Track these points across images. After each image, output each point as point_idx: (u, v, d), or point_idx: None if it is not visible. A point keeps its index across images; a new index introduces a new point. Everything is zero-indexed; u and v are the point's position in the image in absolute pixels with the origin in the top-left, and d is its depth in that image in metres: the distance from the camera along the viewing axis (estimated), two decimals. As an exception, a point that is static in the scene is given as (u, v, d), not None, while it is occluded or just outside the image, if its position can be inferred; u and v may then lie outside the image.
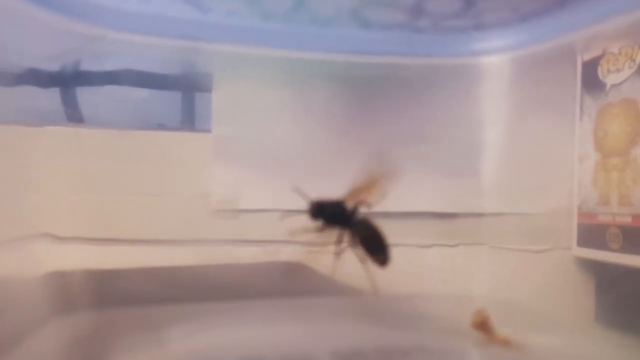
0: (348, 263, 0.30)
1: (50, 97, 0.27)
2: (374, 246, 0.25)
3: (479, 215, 0.31)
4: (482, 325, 0.24)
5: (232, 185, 0.30)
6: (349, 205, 0.26)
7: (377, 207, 0.32)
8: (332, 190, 0.31)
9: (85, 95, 0.29)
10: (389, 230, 0.33)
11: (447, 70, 0.29)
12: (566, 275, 0.31)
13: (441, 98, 0.31)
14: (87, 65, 0.28)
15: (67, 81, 0.27)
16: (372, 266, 0.26)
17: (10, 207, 0.24)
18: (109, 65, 0.28)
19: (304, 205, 0.26)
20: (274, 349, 0.22)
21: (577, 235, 0.30)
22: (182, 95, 0.31)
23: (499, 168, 0.31)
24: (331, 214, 0.25)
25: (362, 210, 0.26)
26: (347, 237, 0.25)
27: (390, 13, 0.25)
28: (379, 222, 0.33)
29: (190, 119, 0.31)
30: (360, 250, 0.25)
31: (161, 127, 0.31)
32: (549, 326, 0.26)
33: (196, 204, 0.29)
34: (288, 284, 0.27)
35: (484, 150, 0.31)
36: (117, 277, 0.26)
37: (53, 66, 0.27)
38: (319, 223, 0.25)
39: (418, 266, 0.31)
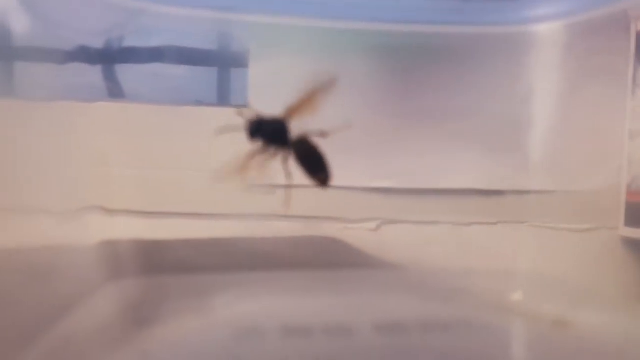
0: (390, 237, 0.30)
1: (99, 73, 0.28)
2: (314, 165, 0.24)
3: (524, 192, 0.31)
4: None
5: None
6: (287, 123, 0.25)
7: (419, 183, 0.31)
8: (371, 167, 0.31)
9: (125, 72, 0.29)
10: (429, 207, 0.33)
11: (495, 39, 0.29)
12: (612, 255, 0.30)
13: (488, 69, 0.30)
14: (130, 42, 0.29)
15: (113, 57, 0.28)
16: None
17: (64, 181, 0.25)
18: (148, 42, 0.29)
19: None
20: (315, 318, 0.22)
21: (625, 214, 0.29)
22: (219, 70, 0.31)
23: (547, 143, 0.30)
24: (270, 132, 0.24)
25: (301, 128, 0.25)
26: (285, 156, 0.24)
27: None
28: (418, 198, 0.32)
29: (226, 95, 0.32)
30: (300, 170, 0.24)
31: (199, 103, 0.31)
32: (594, 304, 0.25)
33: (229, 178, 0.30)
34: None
35: (531, 124, 0.30)
36: (163, 247, 0.27)
37: (99, 42, 0.28)
38: (258, 143, 0.24)
39: (458, 244, 0.31)
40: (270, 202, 0.30)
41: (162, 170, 0.30)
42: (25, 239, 0.22)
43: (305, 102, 0.24)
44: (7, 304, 0.19)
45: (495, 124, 0.30)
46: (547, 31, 0.29)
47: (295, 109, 0.24)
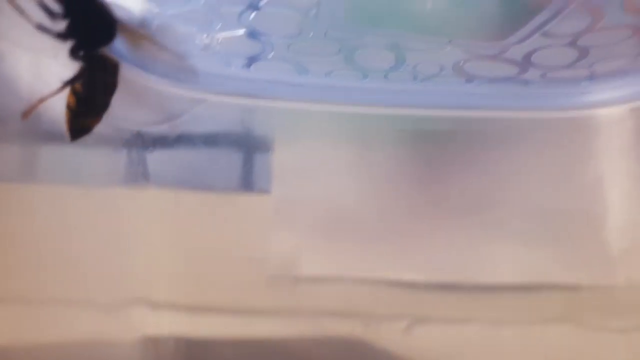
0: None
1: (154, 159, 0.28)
2: (92, 104, 0.19)
3: (607, 288, 0.29)
4: None
5: (291, 250, 0.29)
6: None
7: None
8: (402, 259, 0.29)
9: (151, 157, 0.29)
10: (496, 307, 0.31)
11: (556, 124, 0.28)
12: None
13: (548, 155, 0.29)
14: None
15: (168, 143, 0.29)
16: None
17: (109, 271, 0.25)
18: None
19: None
20: None
21: None
22: (243, 155, 0.31)
23: (626, 236, 0.28)
24: (86, 17, 0.17)
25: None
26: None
27: (497, 67, 0.25)
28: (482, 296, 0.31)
29: (249, 180, 0.31)
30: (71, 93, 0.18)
31: (219, 188, 0.31)
32: None
33: (252, 269, 0.29)
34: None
35: (606, 215, 0.28)
36: (207, 346, 0.26)
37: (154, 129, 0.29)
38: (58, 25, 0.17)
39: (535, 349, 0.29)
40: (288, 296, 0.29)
41: (202, 261, 0.29)
42: (69, 332, 0.21)
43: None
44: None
45: (570, 216, 0.29)
46: (612, 115, 0.28)
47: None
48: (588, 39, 0.22)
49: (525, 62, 0.25)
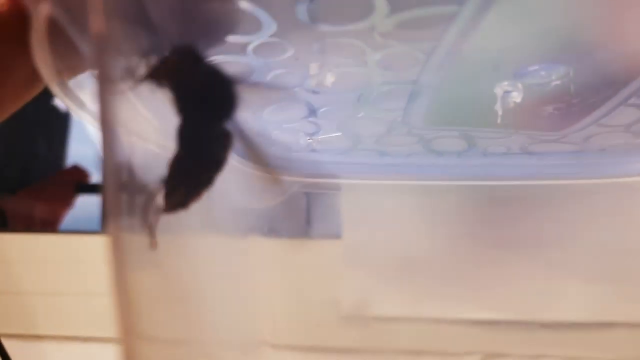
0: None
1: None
2: (191, 179, 0.15)
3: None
4: None
5: (363, 291, 0.32)
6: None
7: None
8: (473, 299, 0.31)
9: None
10: (567, 344, 0.32)
11: (616, 189, 0.31)
12: None
13: (612, 208, 0.31)
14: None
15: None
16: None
17: (240, 315, 0.29)
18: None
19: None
20: None
21: None
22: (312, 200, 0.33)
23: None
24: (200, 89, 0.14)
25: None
26: None
27: (559, 146, 0.28)
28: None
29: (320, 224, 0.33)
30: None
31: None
32: None
33: (326, 310, 0.32)
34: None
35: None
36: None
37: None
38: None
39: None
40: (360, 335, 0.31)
41: (291, 303, 0.32)
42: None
43: None
44: None
45: (623, 255, 0.31)
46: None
47: None
48: (641, 127, 0.25)
49: (584, 142, 0.28)
